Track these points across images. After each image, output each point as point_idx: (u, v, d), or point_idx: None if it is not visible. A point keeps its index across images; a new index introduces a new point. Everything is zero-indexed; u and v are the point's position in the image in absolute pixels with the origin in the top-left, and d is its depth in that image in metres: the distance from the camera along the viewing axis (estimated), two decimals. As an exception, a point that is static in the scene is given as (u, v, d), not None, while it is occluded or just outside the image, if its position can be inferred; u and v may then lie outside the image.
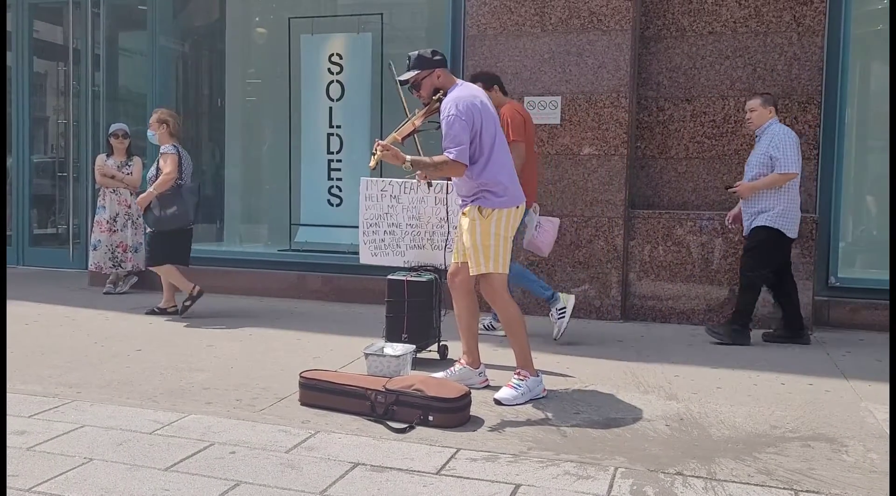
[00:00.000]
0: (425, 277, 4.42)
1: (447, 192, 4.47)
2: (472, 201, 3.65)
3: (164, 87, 7.50)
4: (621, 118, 5.72)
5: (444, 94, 3.66)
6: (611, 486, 2.68)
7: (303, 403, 3.56)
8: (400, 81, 3.77)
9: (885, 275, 5.73)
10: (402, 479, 2.72)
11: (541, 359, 4.15)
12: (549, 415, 3.48)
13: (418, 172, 3.86)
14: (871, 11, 6.11)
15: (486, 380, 3.90)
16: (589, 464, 2.88)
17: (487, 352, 4.33)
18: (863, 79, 6.27)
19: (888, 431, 3.31)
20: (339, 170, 6.97)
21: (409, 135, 3.72)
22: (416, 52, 3.72)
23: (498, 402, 3.57)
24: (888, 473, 2.83)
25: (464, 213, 3.72)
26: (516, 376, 3.69)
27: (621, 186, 5.72)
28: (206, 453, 2.94)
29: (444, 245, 4.47)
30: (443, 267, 4.52)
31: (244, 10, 7.76)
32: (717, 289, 5.61)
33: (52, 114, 8.71)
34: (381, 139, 3.59)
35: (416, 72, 3.69)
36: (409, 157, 3.50)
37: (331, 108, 6.97)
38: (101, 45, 7.58)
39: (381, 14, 6.82)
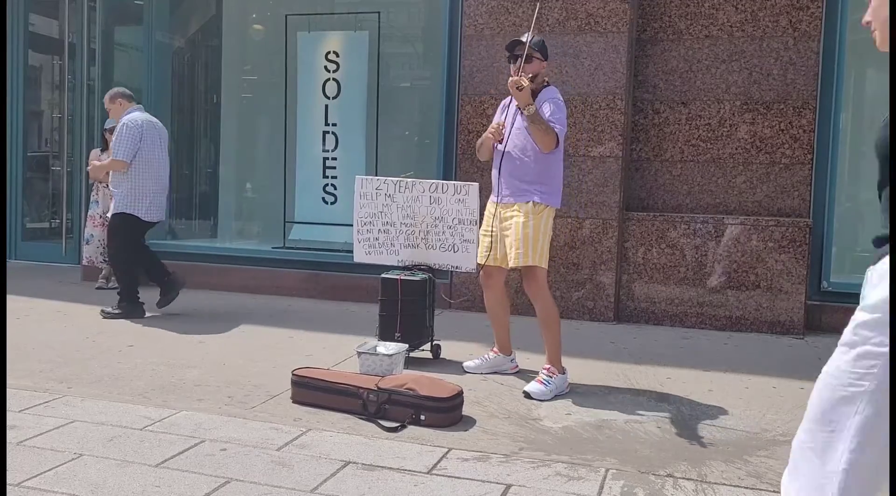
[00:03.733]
0: (419, 276, 4.42)
1: (443, 192, 4.47)
2: (524, 193, 3.83)
3: (159, 82, 7.48)
4: (617, 120, 5.73)
5: (546, 83, 3.93)
6: (601, 488, 2.68)
7: (295, 401, 3.55)
8: (522, 42, 3.85)
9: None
10: (393, 478, 2.71)
11: (533, 360, 4.16)
12: (541, 415, 3.48)
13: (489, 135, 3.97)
14: (866, 17, 6.12)
15: (517, 366, 4.19)
16: (580, 465, 2.88)
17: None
18: (858, 84, 6.30)
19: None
20: (334, 168, 6.96)
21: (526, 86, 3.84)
22: (541, 38, 3.97)
23: (527, 395, 3.70)
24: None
25: (506, 208, 3.88)
26: (545, 372, 3.80)
27: (616, 188, 5.73)
28: (197, 450, 2.93)
29: (437, 244, 4.48)
30: (437, 267, 4.53)
31: (241, 6, 7.74)
32: (710, 293, 5.62)
33: (47, 108, 8.68)
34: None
35: (537, 51, 3.88)
36: (533, 106, 3.72)
37: (327, 106, 6.95)
38: (96, 39, 7.55)
39: (378, 13, 6.82)
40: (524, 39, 3.85)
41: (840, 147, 5.81)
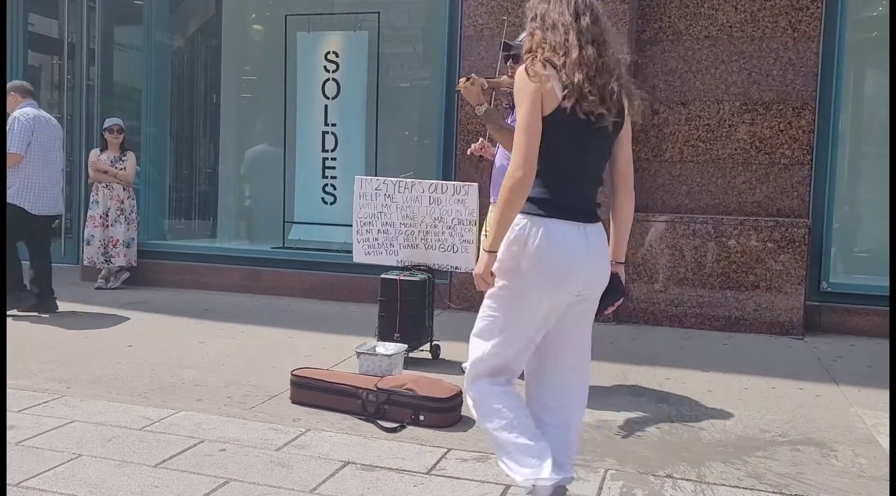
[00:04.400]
0: (418, 277, 4.42)
1: (442, 192, 4.47)
2: None
3: (158, 82, 7.48)
4: (616, 121, 5.72)
5: None
6: (600, 488, 2.68)
7: (294, 401, 3.55)
8: (505, 44, 3.90)
9: (876, 280, 5.77)
10: (392, 479, 2.71)
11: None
12: (541, 416, 3.48)
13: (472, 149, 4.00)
14: (866, 18, 6.13)
15: None
16: (579, 466, 2.87)
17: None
18: (857, 85, 6.29)
19: (874, 435, 3.32)
20: (333, 168, 6.96)
21: (494, 89, 3.83)
22: None
23: None
24: (878, 478, 2.84)
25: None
26: None
27: (615, 189, 5.72)
28: (196, 450, 2.93)
29: (436, 245, 4.48)
30: (437, 267, 4.52)
31: (241, 6, 7.74)
32: (710, 293, 5.62)
33: (46, 108, 8.64)
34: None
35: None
36: (485, 105, 3.59)
37: (326, 106, 6.96)
38: (96, 39, 7.55)
39: (378, 13, 6.82)
40: (515, 41, 3.89)
41: (839, 147, 5.81)
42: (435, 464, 2.85)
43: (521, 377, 2.44)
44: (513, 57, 3.91)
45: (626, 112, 2.26)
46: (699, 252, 5.66)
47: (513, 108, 3.91)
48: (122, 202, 6.78)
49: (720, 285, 5.60)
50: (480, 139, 4.14)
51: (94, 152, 6.86)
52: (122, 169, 6.78)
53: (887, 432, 3.37)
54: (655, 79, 5.97)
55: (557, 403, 2.35)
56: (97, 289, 6.66)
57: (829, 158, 5.71)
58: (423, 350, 4.43)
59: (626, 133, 2.32)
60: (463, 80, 3.68)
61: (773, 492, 2.69)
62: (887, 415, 3.62)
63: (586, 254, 2.22)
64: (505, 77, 3.92)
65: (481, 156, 4.09)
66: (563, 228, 2.18)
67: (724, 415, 3.56)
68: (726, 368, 4.46)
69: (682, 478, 2.78)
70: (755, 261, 5.54)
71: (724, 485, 2.74)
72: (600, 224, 2.31)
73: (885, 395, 3.96)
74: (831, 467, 2.95)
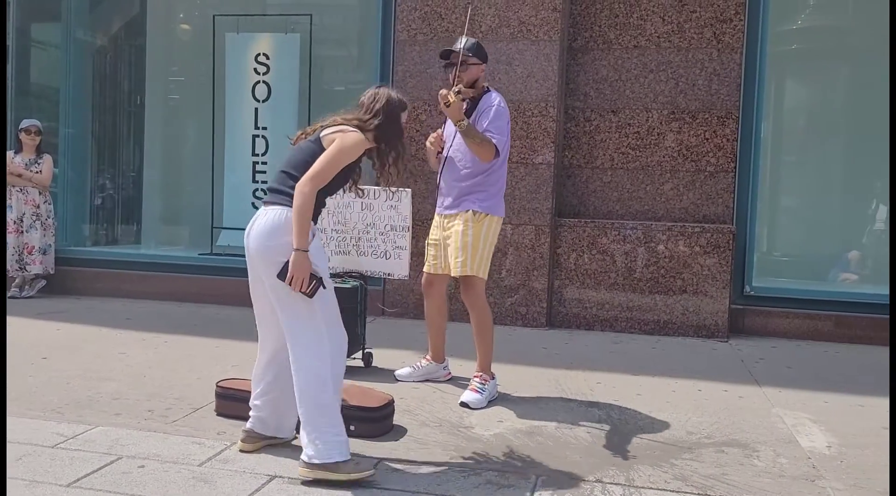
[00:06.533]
0: (350, 284, 4.34)
1: (374, 198, 4.41)
2: (463, 202, 3.79)
3: (78, 82, 7.19)
4: (549, 127, 5.78)
5: (486, 89, 3.83)
6: (532, 494, 2.68)
7: (219, 414, 3.43)
8: (454, 50, 3.77)
9: (796, 284, 6.00)
10: (320, 492, 2.64)
11: (466, 367, 4.14)
12: (472, 423, 3.46)
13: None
14: (787, 31, 6.37)
15: (450, 373, 4.17)
16: (511, 473, 2.87)
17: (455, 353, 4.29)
18: (778, 95, 6.54)
19: (794, 435, 3.42)
20: (264, 172, 6.81)
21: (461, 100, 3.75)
22: (475, 41, 3.83)
23: (465, 405, 3.67)
24: (797, 478, 2.93)
25: (449, 218, 3.84)
26: (477, 380, 3.79)
27: (548, 195, 5.78)
28: (113, 467, 2.79)
29: (368, 251, 4.42)
30: (369, 274, 4.46)
31: (167, 4, 7.51)
32: (640, 297, 5.72)
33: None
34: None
35: (472, 55, 3.77)
36: (466, 120, 3.63)
37: (256, 109, 6.81)
38: (11, 35, 7.20)
39: (311, 15, 6.72)
40: (457, 47, 3.78)
41: (762, 155, 6.01)
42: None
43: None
44: (460, 64, 3.73)
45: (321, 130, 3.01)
46: (629, 257, 5.76)
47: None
48: (38, 207, 6.47)
49: (649, 289, 5.71)
50: (437, 131, 3.93)
51: (8, 154, 6.52)
52: (37, 172, 6.48)
53: (807, 432, 3.48)
54: (587, 87, 6.06)
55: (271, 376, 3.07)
56: (10, 298, 6.33)
57: (751, 166, 5.90)
58: (355, 358, 4.36)
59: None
60: (451, 95, 3.57)
61: (698, 494, 2.73)
62: (806, 415, 3.74)
63: (247, 237, 2.93)
64: (458, 88, 3.73)
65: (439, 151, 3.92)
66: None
67: (652, 417, 3.62)
68: (655, 371, 4.54)
69: (612, 483, 2.80)
70: (682, 265, 5.67)
71: (651, 488, 2.77)
72: (273, 207, 3.00)
73: (803, 396, 4.10)
74: (754, 468, 3.02)
